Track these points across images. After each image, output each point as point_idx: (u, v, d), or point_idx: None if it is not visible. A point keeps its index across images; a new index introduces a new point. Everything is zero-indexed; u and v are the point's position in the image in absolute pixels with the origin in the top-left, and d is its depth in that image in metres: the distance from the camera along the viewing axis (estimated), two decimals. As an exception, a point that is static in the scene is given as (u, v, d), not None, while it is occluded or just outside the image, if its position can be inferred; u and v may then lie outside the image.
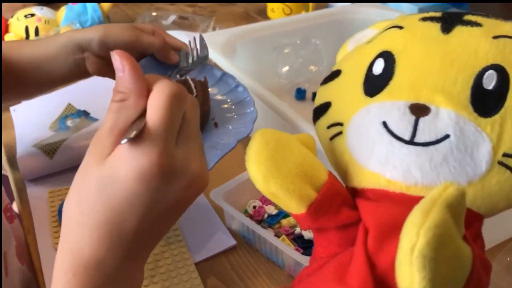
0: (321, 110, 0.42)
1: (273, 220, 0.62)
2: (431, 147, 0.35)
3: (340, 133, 0.40)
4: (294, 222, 0.62)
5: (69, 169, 0.69)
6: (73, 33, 0.57)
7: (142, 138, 0.29)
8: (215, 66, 0.62)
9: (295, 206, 0.36)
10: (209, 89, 0.56)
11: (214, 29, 1.06)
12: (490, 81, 0.35)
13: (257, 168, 0.35)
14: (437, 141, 0.34)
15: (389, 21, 0.45)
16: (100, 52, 0.55)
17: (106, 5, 1.10)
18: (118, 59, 0.31)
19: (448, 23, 0.39)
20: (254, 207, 0.64)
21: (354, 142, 0.38)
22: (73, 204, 0.32)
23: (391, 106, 0.36)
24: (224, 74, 0.59)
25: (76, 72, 0.58)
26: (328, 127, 0.41)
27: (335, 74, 0.43)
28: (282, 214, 0.63)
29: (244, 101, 0.56)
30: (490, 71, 0.35)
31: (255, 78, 0.73)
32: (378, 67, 0.39)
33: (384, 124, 0.36)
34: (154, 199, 0.31)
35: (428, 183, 0.35)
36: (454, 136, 0.34)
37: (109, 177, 0.30)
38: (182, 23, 1.05)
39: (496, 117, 0.35)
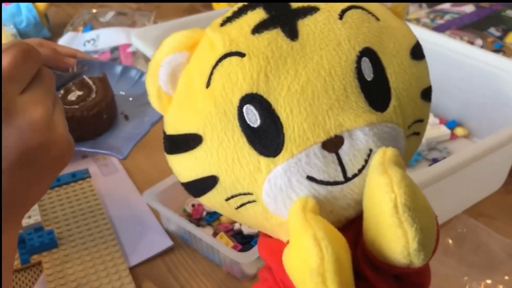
0: (206, 184, 0.33)
1: (212, 218, 0.60)
2: (365, 171, 0.32)
3: (253, 201, 0.33)
4: (234, 218, 0.60)
5: None
6: None
7: None
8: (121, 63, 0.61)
9: None
10: (113, 87, 0.55)
11: (155, 23, 1.03)
12: (369, 71, 0.32)
13: None
14: (366, 162, 0.32)
15: (181, 38, 0.34)
16: None
17: (41, 5, 1.05)
18: None
19: (288, 24, 0.32)
20: (193, 205, 0.62)
21: (282, 206, 0.32)
22: None
23: (306, 157, 0.31)
24: (125, 67, 0.58)
25: None
26: (227, 200, 0.34)
27: (193, 141, 0.33)
28: (221, 210, 0.61)
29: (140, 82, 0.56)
30: (363, 59, 0.32)
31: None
32: (252, 118, 0.31)
33: (311, 178, 0.31)
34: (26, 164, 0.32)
35: None
36: (376, 147, 0.32)
37: None
38: (122, 20, 1.01)
39: (393, 102, 0.33)
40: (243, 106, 0.31)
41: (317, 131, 0.31)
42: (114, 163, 0.71)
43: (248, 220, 0.35)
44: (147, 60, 0.90)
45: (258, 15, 0.33)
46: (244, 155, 0.32)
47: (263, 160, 0.31)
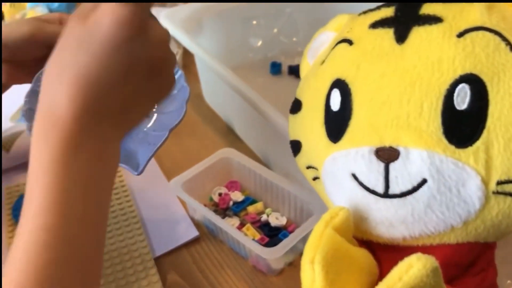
0: (295, 147, 0.38)
1: (239, 208, 0.58)
2: (409, 197, 0.30)
3: (318, 177, 0.36)
4: (261, 208, 0.58)
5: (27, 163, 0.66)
6: None
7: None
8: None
9: None
10: None
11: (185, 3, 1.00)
12: (463, 99, 0.29)
13: None
14: (414, 189, 0.30)
15: (342, 20, 0.39)
16: (4, 57, 0.49)
17: (73, -16, 1.04)
18: None
19: (402, 27, 0.32)
20: (220, 194, 0.60)
21: (332, 192, 0.35)
22: (53, 68, 0.32)
23: (355, 154, 0.31)
24: None
25: None
26: (307, 168, 0.37)
27: (297, 105, 0.38)
28: (249, 200, 0.59)
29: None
30: (461, 86, 0.29)
31: (224, 56, 0.69)
32: (335, 101, 0.33)
33: (354, 176, 0.32)
34: (132, 52, 0.32)
35: (417, 235, 0.32)
36: (431, 179, 0.29)
37: (91, 29, 0.31)
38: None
39: (478, 143, 0.29)
40: (332, 89, 0.34)
41: (373, 134, 0.31)
42: (142, 148, 0.70)
43: (320, 195, 0.38)
44: (177, 42, 0.88)
45: (387, 12, 0.34)
46: (318, 132, 0.35)
47: (328, 143, 0.34)
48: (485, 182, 0.29)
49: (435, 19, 0.31)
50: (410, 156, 0.29)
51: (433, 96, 0.29)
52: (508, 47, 0.30)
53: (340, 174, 0.33)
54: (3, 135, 0.67)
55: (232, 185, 0.61)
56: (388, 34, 0.33)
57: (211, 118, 0.76)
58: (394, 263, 0.34)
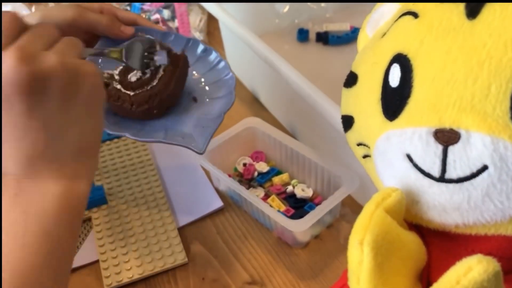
0: (347, 123, 0.36)
1: (264, 179, 0.57)
2: (466, 184, 0.28)
3: (369, 155, 0.34)
4: (287, 179, 0.57)
5: None
6: None
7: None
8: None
9: None
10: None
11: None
12: None
13: None
14: (473, 175, 0.27)
15: None
16: None
17: None
18: None
19: (475, 1, 0.29)
20: (244, 164, 0.59)
21: (383, 172, 0.33)
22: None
23: (412, 134, 0.29)
24: (207, 49, 0.54)
25: None
26: (358, 145, 0.35)
27: (352, 79, 0.36)
28: (274, 171, 0.58)
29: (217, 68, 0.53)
30: None
31: (250, 22, 0.67)
32: (395, 77, 0.31)
33: (409, 157, 0.30)
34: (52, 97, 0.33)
35: (471, 223, 0.30)
36: (493, 166, 0.27)
37: None
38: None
39: None
40: (392, 64, 0.32)
41: (433, 115, 0.29)
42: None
43: (370, 174, 0.36)
44: (201, 7, 0.86)
45: None
46: (374, 108, 0.32)
47: (383, 120, 0.32)
48: None
49: None
50: (472, 140, 0.27)
51: (503, 77, 0.27)
52: None
53: (393, 153, 0.31)
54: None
55: (257, 156, 0.60)
56: (458, 8, 0.30)
57: (236, 86, 0.74)
58: (445, 250, 0.32)
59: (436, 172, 0.29)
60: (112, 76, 0.49)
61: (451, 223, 0.31)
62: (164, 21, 0.84)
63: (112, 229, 0.52)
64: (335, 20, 0.81)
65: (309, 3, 0.82)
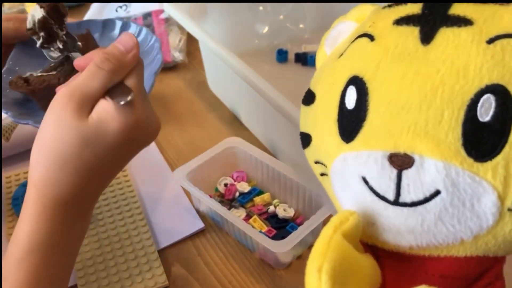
0: (305, 140, 0.37)
1: (245, 199, 0.57)
2: (420, 208, 0.29)
3: (326, 174, 0.35)
4: (268, 199, 0.57)
5: (28, 151, 0.64)
6: None
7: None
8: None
9: None
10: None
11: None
12: (487, 110, 0.27)
13: None
14: (426, 200, 0.28)
15: (365, 10, 0.37)
16: None
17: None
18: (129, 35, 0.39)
19: (428, 27, 0.30)
20: (226, 185, 0.58)
21: (340, 192, 0.34)
22: (50, 153, 0.35)
23: (367, 158, 0.30)
24: (125, 24, 0.52)
25: None
26: (315, 163, 0.36)
27: (311, 97, 0.36)
28: (255, 191, 0.58)
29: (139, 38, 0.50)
30: (486, 96, 0.27)
31: (230, 42, 0.67)
32: (351, 99, 0.31)
33: (364, 179, 0.30)
34: (131, 147, 0.39)
35: (424, 245, 0.31)
36: (445, 191, 0.28)
37: (96, 131, 0.35)
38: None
39: (499, 158, 0.27)
40: (348, 85, 0.32)
41: (388, 140, 0.29)
42: (145, 137, 0.68)
43: (327, 192, 0.37)
44: (180, 27, 0.86)
45: (413, 8, 0.32)
46: (330, 129, 0.33)
47: (339, 141, 0.32)
48: (501, 198, 0.27)
49: (464, 21, 0.29)
50: (425, 165, 0.28)
51: (455, 104, 0.27)
52: None
53: (349, 175, 0.31)
54: (2, 123, 0.65)
55: (238, 175, 0.59)
56: (413, 33, 0.30)
57: (216, 106, 0.74)
58: (399, 272, 0.33)
59: (390, 196, 0.29)
60: (31, 74, 0.47)
61: (405, 245, 0.31)
62: (143, 41, 0.84)
63: (91, 252, 0.51)
64: (313, 41, 0.82)
65: (287, 24, 0.83)
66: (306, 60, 0.79)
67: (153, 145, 0.66)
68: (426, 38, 0.29)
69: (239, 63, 0.58)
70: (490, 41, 0.28)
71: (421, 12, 0.31)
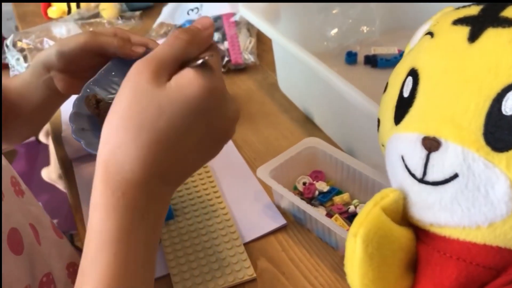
0: (378, 125, 0.41)
1: (325, 198, 0.58)
2: (440, 187, 0.32)
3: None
4: (348, 199, 0.58)
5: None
6: (40, 52, 0.55)
7: (206, 65, 0.35)
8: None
9: None
10: None
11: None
12: (511, 106, 0.29)
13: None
14: (445, 181, 0.31)
15: (444, 12, 0.40)
16: (62, 67, 0.53)
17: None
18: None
19: (477, 26, 0.32)
20: (304, 183, 0.60)
21: (388, 170, 0.38)
22: (124, 120, 0.33)
23: (406, 139, 0.34)
24: None
25: (49, 94, 0.56)
26: (382, 145, 0.40)
27: (386, 86, 0.41)
28: (334, 191, 0.59)
29: None
30: None
31: (301, 43, 0.68)
32: (408, 89, 0.36)
33: (402, 158, 0.34)
34: (210, 119, 0.35)
35: (442, 223, 0.34)
36: (462, 175, 0.31)
37: (172, 97, 0.33)
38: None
39: None
40: (408, 76, 0.36)
41: (422, 124, 0.33)
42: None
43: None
44: (250, 30, 0.88)
45: (473, 10, 0.35)
46: (390, 114, 0.37)
47: (392, 124, 0.37)
48: None
49: (509, 23, 0.31)
50: (448, 150, 0.31)
51: (481, 96, 0.30)
52: None
53: (393, 154, 0.35)
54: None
55: (317, 175, 0.61)
56: (463, 31, 0.33)
57: (287, 107, 0.76)
58: (424, 248, 0.36)
59: (418, 174, 0.33)
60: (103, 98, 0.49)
61: (426, 221, 0.35)
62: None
63: (181, 243, 0.54)
64: (383, 43, 0.83)
65: (356, 26, 0.84)
66: (376, 62, 0.80)
67: (231, 143, 0.69)
68: (473, 37, 0.32)
69: (315, 61, 0.60)
70: None
71: (477, 14, 0.34)
